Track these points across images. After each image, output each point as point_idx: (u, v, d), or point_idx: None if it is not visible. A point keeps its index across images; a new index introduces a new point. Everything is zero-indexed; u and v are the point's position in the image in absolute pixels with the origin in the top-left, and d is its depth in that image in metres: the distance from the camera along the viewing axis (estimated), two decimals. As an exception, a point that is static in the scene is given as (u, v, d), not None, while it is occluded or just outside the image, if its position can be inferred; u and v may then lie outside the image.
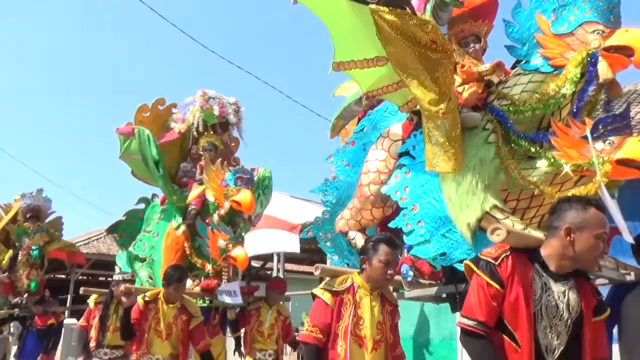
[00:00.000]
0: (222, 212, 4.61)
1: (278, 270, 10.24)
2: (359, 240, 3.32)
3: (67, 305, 13.33)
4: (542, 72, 2.68)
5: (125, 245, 5.65)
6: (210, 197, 4.78)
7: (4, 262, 8.01)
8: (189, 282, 4.59)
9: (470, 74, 2.74)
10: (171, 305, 4.04)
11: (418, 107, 2.72)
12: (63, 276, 15.39)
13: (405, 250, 3.00)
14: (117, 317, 4.92)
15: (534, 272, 1.88)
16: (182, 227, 4.95)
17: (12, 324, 8.23)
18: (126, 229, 5.73)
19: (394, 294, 2.97)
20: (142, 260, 5.24)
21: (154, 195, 5.66)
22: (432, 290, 2.95)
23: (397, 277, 2.90)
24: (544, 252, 1.91)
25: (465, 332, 1.89)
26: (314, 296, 2.62)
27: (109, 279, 16.69)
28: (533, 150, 2.63)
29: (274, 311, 4.92)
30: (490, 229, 1.96)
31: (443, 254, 2.68)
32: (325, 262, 13.80)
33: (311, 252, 12.06)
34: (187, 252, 4.87)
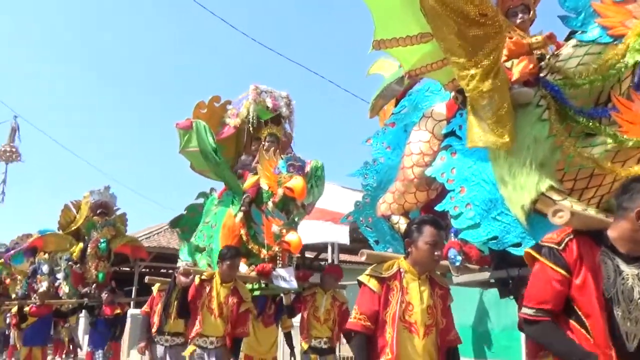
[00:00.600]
0: (276, 199, 4.62)
1: (333, 261, 10.19)
2: (402, 224, 3.21)
3: (132, 296, 14.00)
4: (601, 43, 2.47)
5: (187, 239, 5.71)
6: (264, 185, 4.82)
7: (75, 254, 8.49)
8: (245, 268, 4.66)
9: (520, 46, 2.55)
10: (225, 285, 4.15)
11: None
12: (127, 269, 16.11)
13: (452, 234, 2.86)
14: (178, 304, 5.05)
15: (603, 256, 1.77)
16: (239, 215, 4.97)
17: (81, 314, 8.69)
18: (187, 223, 5.83)
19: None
20: (202, 250, 5.30)
21: (212, 189, 5.73)
22: (483, 276, 2.79)
23: (445, 262, 2.76)
24: (612, 234, 1.81)
25: (528, 322, 1.83)
26: (360, 283, 2.54)
27: (170, 270, 17.40)
28: (592, 126, 2.42)
29: (329, 296, 4.91)
30: (552, 211, 1.81)
31: (494, 238, 2.52)
32: None
33: (364, 242, 11.94)
34: (244, 239, 4.90)
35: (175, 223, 5.95)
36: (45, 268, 9.97)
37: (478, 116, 2.33)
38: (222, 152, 5.33)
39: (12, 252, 12.08)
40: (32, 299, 9.28)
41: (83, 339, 14.88)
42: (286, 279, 4.55)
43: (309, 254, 13.11)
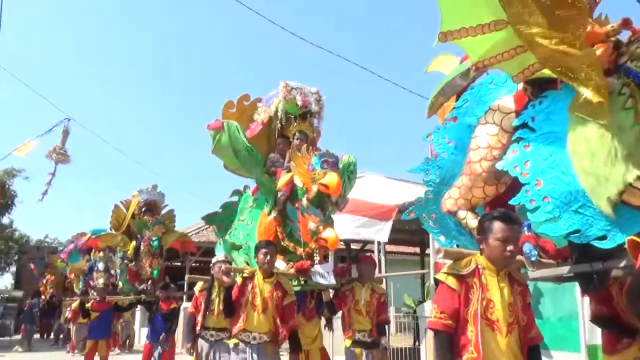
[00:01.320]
0: (311, 195, 4.59)
1: (379, 252, 10.11)
2: (470, 220, 3.10)
3: (184, 290, 14.36)
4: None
5: (222, 237, 5.79)
6: (298, 182, 4.79)
7: (129, 252, 8.72)
8: (282, 265, 4.66)
9: (594, 35, 2.39)
10: (267, 280, 4.15)
11: (536, 74, 2.43)
12: (179, 264, 16.50)
13: (526, 229, 2.74)
14: (219, 301, 5.08)
15: None
16: (274, 213, 4.97)
17: (137, 309, 8.92)
18: (223, 221, 5.84)
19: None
20: (239, 247, 5.35)
21: (245, 187, 5.75)
22: (562, 270, 2.66)
23: (520, 257, 2.66)
24: None
25: None
26: (437, 281, 2.46)
27: (220, 266, 17.65)
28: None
29: (368, 288, 4.91)
30: None
31: (576, 231, 2.37)
32: (425, 243, 13.47)
33: (410, 233, 11.80)
34: (280, 237, 4.91)
35: (210, 220, 5.97)
36: (101, 265, 10.33)
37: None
38: (255, 149, 5.28)
39: (69, 249, 12.56)
40: (90, 294, 9.65)
41: (140, 332, 15.43)
42: (324, 275, 4.54)
43: (354, 246, 13.07)
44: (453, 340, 2.34)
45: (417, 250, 13.17)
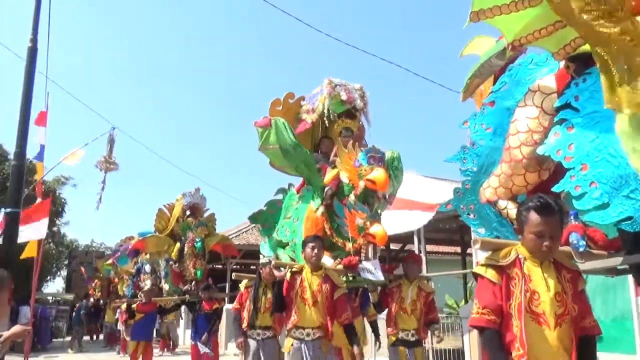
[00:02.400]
0: (358, 191, 4.52)
1: (419, 252, 9.90)
2: (510, 209, 2.92)
3: (226, 292, 14.56)
4: None
5: (268, 235, 5.79)
6: (345, 179, 4.72)
7: (173, 254, 8.88)
8: (330, 261, 4.60)
9: None
10: (316, 274, 4.12)
11: (578, 50, 2.25)
12: (220, 266, 16.74)
13: (572, 217, 2.54)
14: (266, 299, 5.14)
15: None
16: (321, 209, 4.92)
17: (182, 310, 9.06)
18: (267, 219, 5.83)
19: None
20: (285, 245, 5.31)
21: (290, 185, 5.72)
22: (614, 261, 2.45)
23: (566, 248, 2.46)
24: None
25: None
26: (476, 275, 2.30)
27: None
28: None
29: (415, 287, 4.82)
30: None
31: (628, 218, 2.18)
32: (466, 242, 13.12)
33: (450, 232, 11.55)
34: (328, 233, 4.84)
35: (255, 219, 5.96)
36: (147, 267, 10.59)
37: (612, 70, 1.97)
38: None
39: (118, 253, 12.96)
40: (138, 296, 9.87)
41: (184, 333, 15.73)
42: (372, 271, 4.47)
43: (394, 246, 12.88)
44: (500, 337, 2.17)
45: (458, 249, 12.86)
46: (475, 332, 5.47)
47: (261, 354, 5.16)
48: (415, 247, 10.60)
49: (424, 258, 9.71)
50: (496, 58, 2.91)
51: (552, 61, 2.70)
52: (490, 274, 2.21)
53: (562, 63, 2.62)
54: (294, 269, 4.20)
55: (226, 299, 12.41)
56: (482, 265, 2.27)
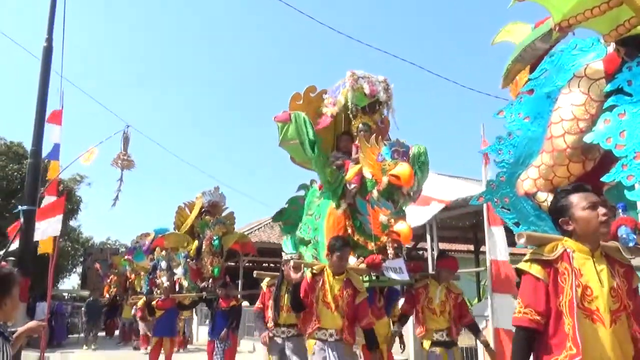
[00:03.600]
0: (381, 187, 4.33)
1: (432, 249, 9.74)
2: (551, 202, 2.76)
3: (239, 290, 14.47)
4: None
5: (290, 232, 5.63)
6: (368, 174, 4.54)
7: (192, 251, 8.81)
8: (353, 260, 4.48)
9: None
10: (337, 277, 4.01)
11: (633, 31, 2.09)
12: (233, 264, 16.67)
13: (621, 210, 2.38)
14: (289, 297, 4.90)
15: None
16: (343, 206, 4.78)
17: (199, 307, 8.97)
18: (290, 216, 5.72)
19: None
20: (307, 242, 5.16)
21: (312, 181, 5.56)
22: (669, 257, 2.28)
23: (614, 244, 2.29)
24: None
25: None
26: (519, 272, 2.15)
27: (272, 264, 17.81)
28: None
29: (443, 288, 4.62)
30: None
31: (686, 210, 2.03)
32: (479, 240, 12.95)
33: (463, 230, 11.39)
34: (349, 231, 4.71)
35: (278, 217, 5.83)
36: (163, 264, 10.53)
37: None
38: (321, 143, 5.12)
39: (145, 248, 12.83)
40: (155, 293, 9.78)
41: (197, 330, 15.65)
42: (397, 270, 4.31)
43: (407, 244, 12.71)
44: (542, 339, 2.03)
45: (471, 247, 12.69)
46: (489, 330, 5.30)
47: (287, 350, 4.98)
48: (427, 245, 10.44)
49: (434, 255, 9.57)
50: (540, 41, 2.77)
51: (599, 46, 2.56)
52: (535, 270, 2.07)
53: (612, 47, 2.46)
54: (314, 271, 4.06)
55: (238, 297, 12.27)
56: (526, 260, 2.12)
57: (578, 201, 2.06)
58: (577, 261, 2.04)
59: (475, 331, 4.71)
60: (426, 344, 4.56)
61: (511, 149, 3.05)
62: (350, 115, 5.15)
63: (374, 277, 4.50)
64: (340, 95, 5.09)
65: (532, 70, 3.04)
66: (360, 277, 4.32)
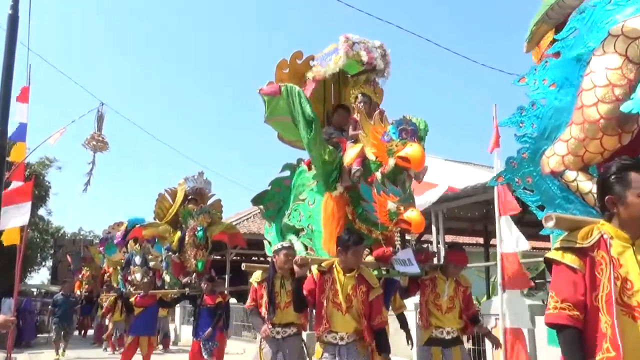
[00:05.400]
0: (386, 170, 4.21)
1: (438, 243, 9.68)
2: (582, 181, 2.65)
3: (226, 285, 14.35)
4: None
5: (272, 217, 5.56)
6: (371, 156, 4.40)
7: (173, 243, 8.70)
8: None
9: None
10: (349, 275, 3.91)
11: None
12: (219, 257, 16.57)
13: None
14: (285, 292, 4.83)
15: None
16: (339, 190, 4.66)
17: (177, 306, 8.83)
18: (272, 199, 5.56)
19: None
20: (298, 231, 5.06)
21: (299, 160, 5.40)
22: None
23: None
24: None
25: None
26: (549, 262, 2.07)
27: (262, 258, 17.73)
28: None
29: (452, 282, 4.56)
30: None
31: None
32: (489, 232, 12.96)
33: (472, 221, 11.35)
34: (350, 218, 4.60)
35: (258, 200, 5.66)
36: (137, 259, 10.44)
37: None
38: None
39: (117, 240, 12.66)
40: (127, 289, 9.67)
41: (180, 330, 15.58)
42: (406, 262, 4.29)
43: (408, 235, 12.68)
44: (582, 336, 1.93)
45: (480, 240, 12.67)
46: (499, 329, 5.26)
47: (281, 355, 4.82)
48: (433, 238, 10.38)
49: (442, 249, 9.51)
50: (571, -4, 2.63)
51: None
52: (570, 259, 1.98)
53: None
54: (321, 268, 3.94)
55: (225, 292, 12.23)
56: (557, 249, 2.04)
57: (636, 184, 1.94)
58: (614, 249, 1.94)
59: (475, 322, 4.69)
60: (424, 336, 4.52)
61: (535, 122, 2.90)
62: (337, 87, 5.06)
63: (383, 271, 4.43)
64: (331, 62, 4.89)
65: (558, 31, 2.89)
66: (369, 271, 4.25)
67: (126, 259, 11.48)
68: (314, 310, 4.10)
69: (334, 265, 3.94)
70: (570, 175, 2.70)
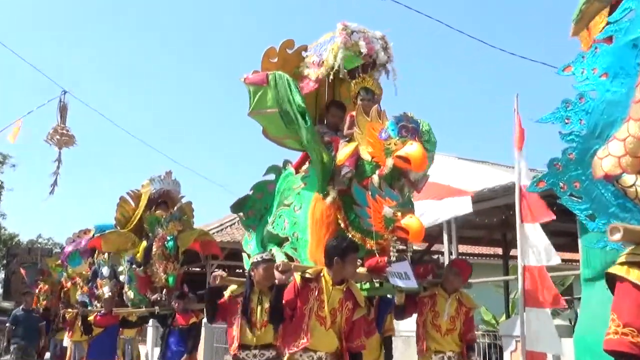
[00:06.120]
0: (384, 171, 4.29)
1: (450, 253, 9.58)
2: None
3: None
4: None
5: (252, 226, 5.58)
6: (366, 155, 4.48)
7: (138, 255, 8.49)
8: None
9: None
10: (337, 287, 3.97)
11: None
12: (198, 269, 16.38)
13: None
14: (263, 310, 4.73)
15: None
16: (332, 195, 4.64)
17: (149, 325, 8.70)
18: (253, 206, 5.59)
19: None
20: (282, 240, 5.07)
21: (286, 162, 5.44)
22: None
23: None
24: None
25: None
26: (611, 278, 2.06)
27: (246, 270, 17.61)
28: None
29: (454, 300, 4.75)
30: None
31: None
32: (508, 241, 13.04)
33: (489, 229, 11.30)
34: (342, 225, 4.59)
35: (238, 206, 5.70)
36: (105, 271, 10.18)
37: None
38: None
39: (69, 251, 12.48)
40: (94, 306, 9.46)
41: (152, 353, 15.39)
42: (402, 276, 4.35)
43: (417, 246, 12.63)
44: None
45: (499, 251, 12.65)
46: (519, 353, 5.28)
47: None
48: (444, 248, 10.33)
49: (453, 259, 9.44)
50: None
51: None
52: (636, 276, 1.96)
53: None
54: (307, 275, 3.99)
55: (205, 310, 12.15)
56: (622, 263, 2.03)
57: None
58: None
59: (470, 350, 4.82)
60: None
61: (583, 117, 2.81)
62: (335, 81, 5.08)
63: (377, 284, 4.46)
64: (329, 54, 4.94)
65: (611, 12, 2.81)
66: (360, 285, 4.36)
67: (92, 271, 11.22)
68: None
69: (321, 274, 3.96)
70: (628, 179, 2.55)
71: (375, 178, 4.34)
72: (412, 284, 4.37)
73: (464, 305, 4.76)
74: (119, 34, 65.55)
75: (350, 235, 4.54)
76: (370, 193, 4.36)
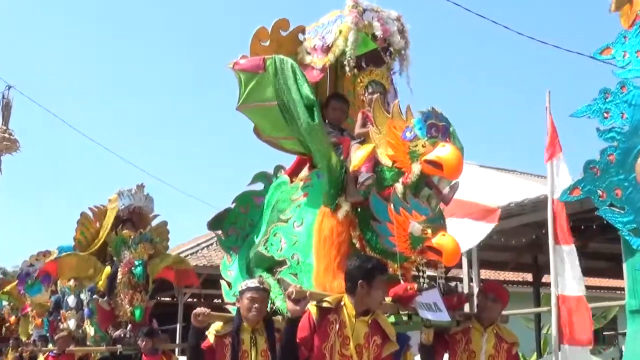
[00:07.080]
0: (409, 179, 4.25)
1: (470, 280, 9.58)
2: None
3: (177, 339, 14.14)
4: None
5: (233, 248, 5.48)
6: (386, 160, 4.47)
7: (100, 283, 8.49)
8: None
9: None
10: (362, 319, 3.80)
11: None
12: (168, 299, 16.29)
13: None
14: (257, 352, 4.53)
15: None
16: (344, 208, 4.53)
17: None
18: (235, 222, 5.52)
19: None
20: (276, 264, 4.96)
21: (278, 169, 5.42)
22: None
23: None
24: None
25: None
26: None
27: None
28: None
29: (492, 335, 4.62)
30: None
31: None
32: (540, 266, 13.07)
33: (517, 252, 11.33)
34: (358, 246, 4.59)
35: (216, 223, 5.62)
36: (71, 300, 10.19)
37: None
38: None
39: (27, 278, 12.46)
40: (51, 344, 9.45)
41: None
42: (432, 307, 4.24)
43: (431, 271, 12.60)
44: None
45: (529, 277, 12.60)
46: None
47: None
48: (463, 273, 10.34)
49: (476, 289, 9.40)
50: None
51: None
52: None
53: None
54: (324, 304, 3.80)
55: (177, 350, 12.08)
56: None
57: None
58: None
59: None
60: None
61: (626, 110, 2.81)
62: (347, 68, 4.89)
63: (404, 317, 4.32)
64: (338, 37, 4.86)
65: None
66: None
67: (55, 301, 11.25)
68: None
69: (342, 303, 3.81)
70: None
71: (398, 187, 4.31)
72: (444, 316, 4.26)
73: (505, 341, 4.65)
74: (73, 15, 65.51)
75: None
76: (392, 206, 4.30)
